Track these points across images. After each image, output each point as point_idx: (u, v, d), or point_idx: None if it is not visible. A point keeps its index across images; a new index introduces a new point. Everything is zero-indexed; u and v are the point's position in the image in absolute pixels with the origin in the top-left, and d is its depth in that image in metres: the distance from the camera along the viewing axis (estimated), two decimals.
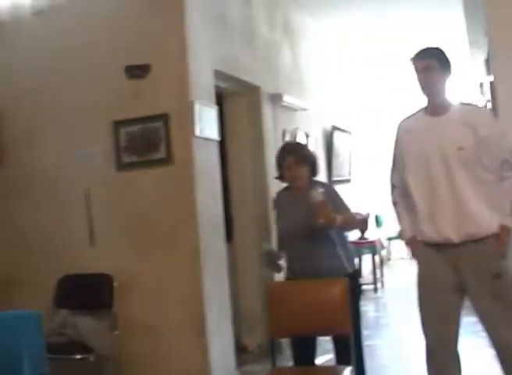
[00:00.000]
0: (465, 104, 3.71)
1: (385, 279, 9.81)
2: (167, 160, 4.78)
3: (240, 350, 5.83)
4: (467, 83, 10.30)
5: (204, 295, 4.73)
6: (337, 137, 8.71)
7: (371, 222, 9.67)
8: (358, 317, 4.40)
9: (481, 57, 7.71)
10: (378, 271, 9.57)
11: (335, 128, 8.61)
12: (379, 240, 9.51)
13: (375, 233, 10.13)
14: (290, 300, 3.91)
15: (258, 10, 6.42)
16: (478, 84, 9.08)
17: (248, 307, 6.03)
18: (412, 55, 3.64)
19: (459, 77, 10.77)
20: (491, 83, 4.89)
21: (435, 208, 3.56)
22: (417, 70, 3.61)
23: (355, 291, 4.38)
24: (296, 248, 4.26)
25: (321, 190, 4.04)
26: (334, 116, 8.85)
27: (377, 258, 9.55)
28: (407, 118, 3.82)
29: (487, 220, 3.50)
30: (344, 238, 4.39)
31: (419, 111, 3.74)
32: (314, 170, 4.36)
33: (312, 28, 8.30)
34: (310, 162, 4.32)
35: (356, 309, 4.35)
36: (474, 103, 3.73)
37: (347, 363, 3.83)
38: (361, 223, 4.35)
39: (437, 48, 3.67)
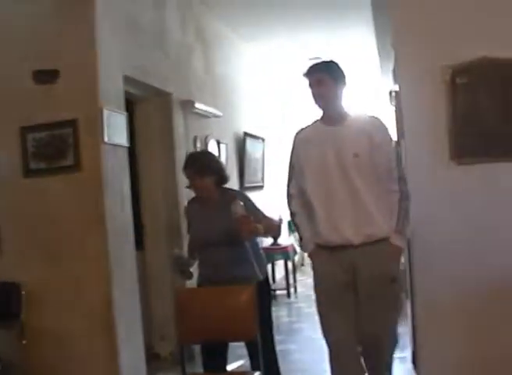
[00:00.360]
0: (361, 114, 3.88)
1: (298, 284, 9.90)
2: (75, 167, 4.71)
3: (153, 358, 5.80)
4: (379, 92, 10.57)
5: (114, 303, 4.67)
6: (250, 143, 8.76)
7: (284, 228, 9.75)
8: (270, 323, 4.45)
9: (389, 67, 7.96)
10: (291, 276, 9.66)
11: (247, 135, 8.66)
12: (292, 245, 9.58)
13: (287, 239, 10.23)
14: (199, 307, 3.92)
15: (171, 17, 6.40)
16: (388, 93, 9.32)
17: (160, 315, 5.99)
18: (304, 70, 3.80)
19: (372, 86, 11.09)
20: (395, 92, 5.02)
21: (334, 212, 3.69)
22: (309, 84, 3.78)
23: (266, 297, 4.43)
24: (208, 255, 4.30)
25: (241, 203, 4.08)
26: (247, 122, 8.90)
27: (290, 263, 9.64)
28: (304, 128, 3.95)
29: (383, 224, 3.65)
30: (257, 246, 4.43)
31: (315, 122, 3.89)
32: (220, 179, 4.38)
33: (227, 38, 8.35)
34: (213, 172, 4.34)
35: (268, 315, 4.40)
36: (369, 114, 3.88)
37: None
38: (278, 228, 4.43)
39: (329, 62, 3.88)
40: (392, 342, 3.85)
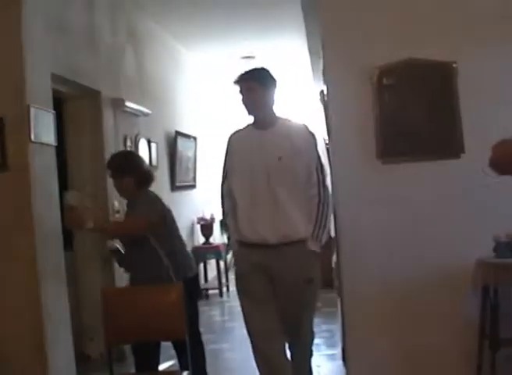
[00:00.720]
0: (290, 119, 3.98)
1: (231, 283, 9.91)
2: (1, 166, 4.59)
3: (83, 359, 5.73)
4: (311, 92, 10.65)
5: (42, 304, 4.57)
6: (181, 142, 8.72)
7: (216, 227, 9.75)
8: (197, 322, 4.47)
9: (320, 67, 8.08)
10: (223, 275, 9.68)
11: (178, 133, 8.62)
12: (224, 244, 9.58)
13: (219, 238, 10.24)
14: (125, 306, 3.90)
15: (101, 16, 6.33)
16: (319, 93, 9.44)
17: (90, 316, 5.92)
18: (235, 78, 3.92)
19: (305, 86, 11.16)
20: (323, 92, 5.09)
21: (255, 212, 3.80)
22: (240, 91, 3.90)
23: (192, 297, 4.41)
24: (128, 255, 4.45)
25: (72, 192, 4.16)
26: (178, 121, 8.86)
27: (222, 262, 9.65)
28: (237, 131, 4.07)
29: (301, 226, 3.77)
30: (173, 247, 4.42)
31: (248, 125, 4.01)
32: (140, 180, 4.41)
33: (159, 37, 8.31)
34: (130, 173, 4.38)
35: (194, 315, 4.42)
36: (298, 120, 4.00)
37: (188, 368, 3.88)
38: (126, 229, 4.37)
39: (259, 69, 4.00)
40: (310, 336, 4.07)
